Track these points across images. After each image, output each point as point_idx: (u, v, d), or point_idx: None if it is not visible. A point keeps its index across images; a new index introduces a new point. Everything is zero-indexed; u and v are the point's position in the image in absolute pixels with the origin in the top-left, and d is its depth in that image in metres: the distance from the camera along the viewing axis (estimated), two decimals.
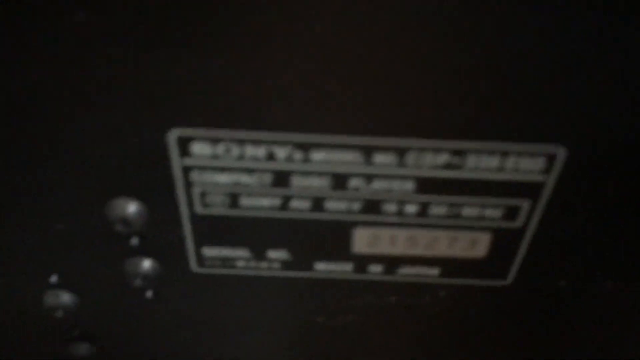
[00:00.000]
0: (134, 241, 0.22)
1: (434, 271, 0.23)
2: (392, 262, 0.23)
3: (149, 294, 0.25)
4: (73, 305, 0.25)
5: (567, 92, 0.17)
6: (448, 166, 0.19)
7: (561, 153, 0.18)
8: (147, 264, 0.23)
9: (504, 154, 0.19)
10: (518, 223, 0.21)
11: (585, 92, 0.17)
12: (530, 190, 0.20)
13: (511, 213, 0.20)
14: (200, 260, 0.23)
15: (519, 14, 0.16)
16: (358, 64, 0.17)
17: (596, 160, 0.19)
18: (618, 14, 0.16)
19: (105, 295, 0.25)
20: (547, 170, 0.19)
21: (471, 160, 0.19)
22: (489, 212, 0.20)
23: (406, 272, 0.23)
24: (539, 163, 0.19)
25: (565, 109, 0.18)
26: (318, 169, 0.19)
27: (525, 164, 0.19)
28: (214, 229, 0.22)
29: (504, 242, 0.21)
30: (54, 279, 0.24)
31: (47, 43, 0.17)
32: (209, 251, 0.22)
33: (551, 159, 0.19)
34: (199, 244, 0.22)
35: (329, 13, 0.16)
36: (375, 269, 0.23)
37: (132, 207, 0.21)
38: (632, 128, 0.18)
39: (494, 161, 0.19)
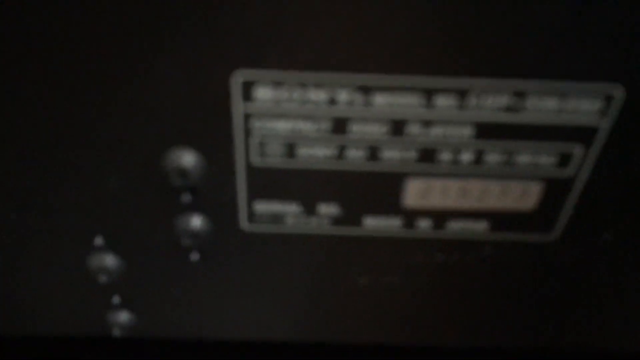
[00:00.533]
0: (186, 197, 0.22)
1: (482, 225, 0.23)
2: (441, 216, 0.23)
3: (195, 256, 0.25)
4: (117, 269, 0.25)
5: (628, 29, 0.18)
6: (508, 109, 0.19)
7: (619, 94, 0.19)
8: (197, 220, 0.23)
9: (563, 95, 0.19)
10: (570, 171, 0.21)
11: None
12: (584, 134, 0.20)
13: (564, 160, 0.21)
14: (251, 215, 0.23)
15: None
16: (419, 4, 0.17)
17: None
18: None
19: (149, 259, 0.25)
20: (603, 113, 0.19)
21: (530, 102, 0.19)
22: (542, 159, 0.21)
23: (454, 226, 0.23)
24: (596, 104, 0.19)
25: (626, 47, 0.18)
26: (377, 114, 0.20)
27: (583, 104, 0.19)
28: (268, 182, 0.22)
29: (554, 192, 0.22)
30: (99, 240, 0.24)
31: None
32: (260, 206, 0.23)
33: (608, 99, 0.19)
34: (251, 198, 0.22)
35: None
36: (424, 223, 0.23)
37: (189, 158, 0.21)
38: None
39: (552, 102, 0.19)
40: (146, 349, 0.30)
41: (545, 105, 0.19)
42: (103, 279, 0.25)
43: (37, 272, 0.26)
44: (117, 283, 0.26)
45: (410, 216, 0.23)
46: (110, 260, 0.25)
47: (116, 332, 0.28)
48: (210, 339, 0.29)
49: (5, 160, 0.21)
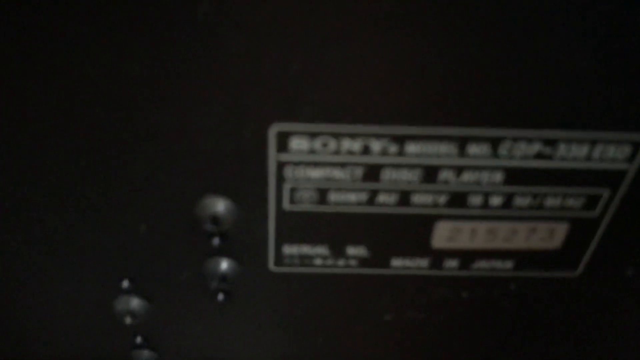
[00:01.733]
0: (216, 241, 0.22)
1: (508, 264, 0.23)
2: (468, 257, 0.23)
3: (220, 297, 0.25)
4: (143, 310, 0.25)
5: None
6: (539, 155, 0.20)
7: None
8: (226, 264, 0.23)
9: (593, 142, 0.19)
10: (596, 213, 0.21)
11: None
12: (611, 179, 0.20)
13: (591, 202, 0.21)
14: (279, 258, 0.23)
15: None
16: (453, 58, 0.18)
17: None
18: None
19: (175, 300, 0.25)
20: (631, 158, 0.20)
21: (561, 149, 0.20)
22: (570, 202, 0.21)
23: (481, 266, 0.23)
24: (625, 151, 0.20)
25: None
26: (410, 162, 0.20)
27: (611, 152, 0.20)
28: (297, 226, 0.22)
29: (580, 232, 0.22)
30: (125, 283, 0.24)
31: (155, 34, 0.17)
32: (289, 249, 0.23)
33: (635, 146, 0.19)
34: (280, 242, 0.23)
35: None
36: (451, 263, 0.23)
37: (223, 205, 0.21)
38: None
39: (582, 150, 0.20)
40: None
41: (574, 153, 0.20)
42: (128, 320, 0.25)
43: (63, 311, 0.26)
44: (142, 323, 0.26)
45: (438, 257, 0.23)
46: (136, 303, 0.25)
47: None
48: None
49: (40, 202, 0.21)
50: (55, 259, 0.23)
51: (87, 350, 0.28)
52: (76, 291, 0.25)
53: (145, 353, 0.28)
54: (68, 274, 0.24)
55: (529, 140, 0.19)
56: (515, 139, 0.19)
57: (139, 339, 0.27)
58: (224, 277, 0.23)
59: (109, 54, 0.17)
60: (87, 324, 0.26)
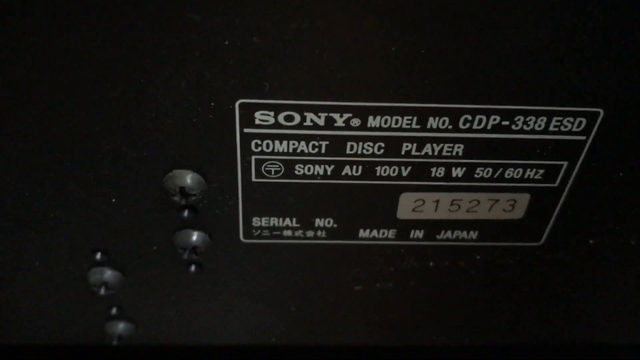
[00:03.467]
0: (185, 213, 0.23)
1: (473, 235, 0.24)
2: (433, 227, 0.24)
3: (192, 268, 0.25)
4: (116, 282, 0.26)
5: (605, 60, 0.19)
6: (497, 128, 0.20)
7: (599, 114, 0.20)
8: (196, 236, 0.24)
9: (549, 115, 0.20)
10: (556, 183, 0.22)
11: (619, 60, 0.19)
12: (569, 150, 0.21)
13: (551, 173, 0.22)
14: (248, 230, 0.24)
15: None
16: (414, 36, 0.18)
17: (627, 122, 0.20)
18: None
19: (148, 272, 0.25)
20: (586, 131, 0.20)
21: (519, 122, 0.20)
22: (531, 173, 0.22)
23: (446, 236, 0.24)
24: (581, 123, 0.20)
25: (604, 75, 0.19)
26: (373, 135, 0.20)
27: (568, 124, 0.20)
28: (265, 199, 0.22)
29: (541, 202, 0.23)
30: (98, 255, 0.25)
31: (120, 10, 0.17)
32: (258, 221, 0.23)
33: (592, 119, 0.20)
34: (248, 214, 0.23)
35: None
36: (417, 234, 0.24)
37: (190, 178, 0.21)
38: None
39: (540, 123, 0.20)
40: (145, 355, 0.31)
41: (532, 125, 0.20)
42: (102, 292, 0.25)
43: (36, 283, 0.26)
44: (116, 295, 0.26)
45: (404, 227, 0.24)
46: (109, 275, 0.25)
47: (114, 342, 0.28)
48: (207, 344, 0.29)
49: (11, 176, 0.21)
50: (27, 233, 0.24)
51: (62, 327, 0.28)
52: (50, 265, 0.25)
53: (121, 325, 0.28)
54: (41, 248, 0.24)
55: (487, 114, 0.20)
56: (473, 113, 0.20)
57: (114, 311, 0.27)
58: (194, 249, 0.24)
59: (74, 30, 0.18)
60: (61, 298, 0.27)
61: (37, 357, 0.31)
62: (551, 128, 0.20)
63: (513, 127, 0.20)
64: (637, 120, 0.20)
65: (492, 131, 0.20)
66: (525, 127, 0.20)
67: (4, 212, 0.23)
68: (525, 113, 0.20)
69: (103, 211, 0.23)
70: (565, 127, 0.20)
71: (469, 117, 0.20)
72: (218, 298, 0.27)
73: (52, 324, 0.28)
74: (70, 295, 0.26)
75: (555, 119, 0.20)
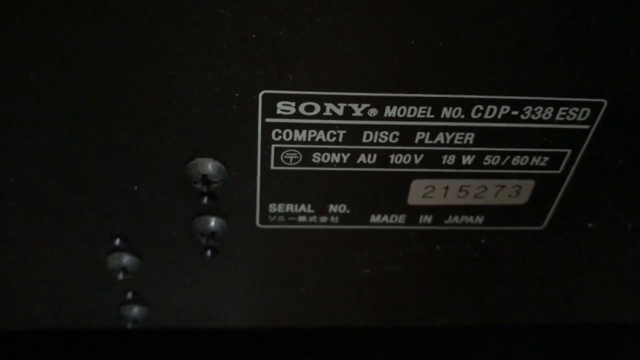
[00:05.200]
0: (205, 200, 0.24)
1: (479, 219, 0.25)
2: (441, 212, 0.25)
3: (208, 253, 0.26)
4: (135, 267, 0.26)
5: (609, 53, 0.20)
6: (506, 118, 0.21)
7: (603, 104, 0.21)
8: (214, 222, 0.25)
9: (556, 106, 0.21)
10: (559, 170, 0.23)
11: (623, 53, 0.20)
12: (573, 139, 0.22)
13: (555, 161, 0.23)
14: (265, 216, 0.25)
15: None
16: (430, 31, 0.19)
17: (629, 112, 0.22)
18: None
19: (165, 257, 0.26)
20: (590, 120, 0.21)
21: (527, 112, 0.21)
22: (536, 161, 0.23)
23: (453, 221, 0.25)
24: (585, 113, 0.21)
25: (607, 68, 0.20)
26: (389, 124, 0.21)
27: (574, 113, 0.21)
28: (283, 185, 0.23)
29: (545, 188, 0.24)
30: (117, 241, 0.25)
31: (150, 4, 0.18)
32: (275, 207, 0.24)
33: (596, 109, 0.21)
34: (265, 201, 0.24)
35: None
36: (426, 219, 0.25)
37: (212, 165, 0.22)
38: None
39: (547, 112, 0.21)
40: (158, 338, 0.31)
41: (539, 115, 0.21)
42: (121, 277, 0.26)
43: (56, 268, 0.27)
44: (133, 280, 0.27)
45: (413, 213, 0.25)
46: (128, 260, 0.26)
47: (129, 325, 0.29)
48: (218, 327, 0.30)
49: (34, 162, 0.22)
50: (49, 219, 0.24)
51: (79, 310, 0.29)
52: (69, 250, 0.26)
53: (136, 309, 0.29)
54: (61, 234, 0.25)
55: (499, 104, 0.21)
56: (485, 103, 0.21)
57: (129, 295, 0.28)
58: (212, 235, 0.25)
59: (101, 19, 0.18)
60: (79, 282, 0.27)
61: (53, 340, 0.31)
62: (557, 117, 0.21)
63: (522, 116, 0.21)
64: (638, 111, 0.22)
65: (502, 120, 0.21)
66: (533, 117, 0.21)
67: (26, 198, 0.23)
68: (534, 103, 0.21)
69: (125, 198, 0.24)
70: (571, 116, 0.21)
71: (481, 107, 0.21)
72: (231, 282, 0.28)
73: (70, 308, 0.29)
74: (88, 279, 0.27)
75: (561, 109, 0.21)
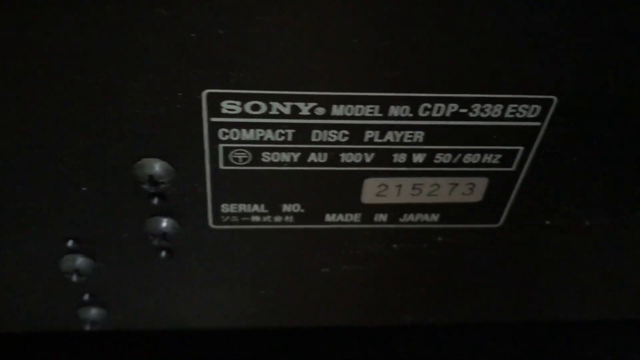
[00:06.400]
0: (155, 201, 0.23)
1: (434, 217, 0.25)
2: (396, 211, 0.25)
3: (163, 254, 0.26)
4: (88, 269, 0.26)
5: (558, 50, 0.20)
6: (455, 116, 0.21)
7: (553, 101, 0.21)
8: (166, 223, 0.24)
9: (505, 103, 0.21)
10: (513, 168, 0.23)
11: (571, 50, 0.20)
12: (525, 136, 0.22)
13: (508, 158, 0.23)
14: (218, 216, 0.24)
15: None
16: (375, 29, 0.19)
17: (580, 109, 0.21)
18: None
19: (119, 258, 0.26)
20: (541, 117, 0.21)
21: (476, 110, 0.21)
22: (488, 158, 0.23)
23: (409, 219, 0.25)
24: (536, 110, 0.21)
25: (555, 65, 0.20)
26: (337, 123, 0.21)
27: (523, 111, 0.21)
28: (234, 185, 0.23)
29: (499, 186, 0.24)
30: (70, 243, 0.25)
31: (90, 5, 0.18)
32: (227, 207, 0.24)
33: (546, 105, 0.21)
34: (217, 201, 0.24)
35: None
36: (381, 217, 0.25)
37: (159, 166, 0.22)
38: (610, 83, 0.21)
39: (496, 110, 0.21)
40: (117, 340, 0.31)
41: (488, 113, 0.21)
42: (74, 279, 0.26)
43: (9, 272, 0.26)
44: (88, 281, 0.27)
45: (368, 211, 0.24)
46: (81, 262, 0.26)
47: (87, 327, 0.29)
48: (178, 328, 0.30)
49: None
50: (1, 220, 0.24)
51: (36, 314, 0.29)
52: (22, 253, 0.25)
53: (94, 311, 0.29)
54: (13, 237, 0.25)
55: (446, 102, 0.21)
56: (432, 101, 0.21)
57: (86, 297, 0.28)
58: (164, 236, 0.24)
59: (40, 19, 0.18)
60: (35, 285, 0.27)
61: (12, 344, 0.31)
62: (507, 115, 0.21)
63: (470, 114, 0.21)
64: (589, 107, 0.21)
65: (450, 118, 0.21)
66: (482, 114, 0.21)
67: None
68: (482, 101, 0.21)
69: (74, 200, 0.23)
70: (521, 114, 0.21)
71: (429, 105, 0.21)
72: (189, 283, 0.27)
73: (26, 311, 0.29)
74: (43, 282, 0.27)
75: (511, 106, 0.21)
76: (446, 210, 0.25)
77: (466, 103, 0.21)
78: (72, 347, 0.31)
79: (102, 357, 0.32)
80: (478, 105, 0.21)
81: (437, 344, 0.33)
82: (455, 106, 0.21)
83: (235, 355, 0.31)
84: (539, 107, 0.21)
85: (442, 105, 0.21)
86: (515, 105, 0.21)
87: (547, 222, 0.25)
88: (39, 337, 0.31)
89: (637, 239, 0.27)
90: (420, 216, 0.25)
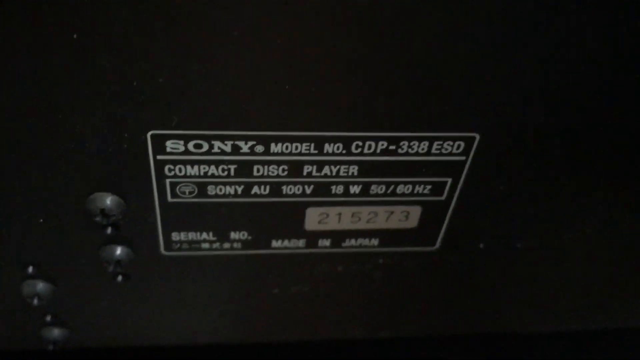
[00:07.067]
0: (109, 231, 0.25)
1: (374, 242, 0.26)
2: (338, 236, 0.26)
3: (119, 278, 0.27)
4: (48, 293, 0.27)
5: (478, 93, 0.21)
6: (385, 152, 0.23)
7: (475, 138, 0.22)
8: (120, 250, 0.26)
9: (431, 140, 0.22)
10: (443, 197, 0.25)
11: (490, 91, 0.21)
12: (452, 169, 0.24)
13: (438, 188, 0.24)
14: (168, 244, 0.26)
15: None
16: (306, 74, 0.20)
17: (502, 144, 0.23)
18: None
19: (78, 282, 0.27)
20: (466, 152, 0.23)
21: (404, 146, 0.23)
22: (420, 189, 0.24)
23: (351, 244, 0.26)
24: (460, 146, 0.23)
25: (476, 105, 0.22)
26: (277, 159, 0.23)
27: (449, 147, 0.23)
28: (182, 216, 0.25)
29: (432, 213, 0.25)
30: (30, 269, 0.26)
31: (45, 51, 0.19)
32: (177, 236, 0.25)
33: (469, 142, 0.23)
34: (167, 230, 0.25)
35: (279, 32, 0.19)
36: (324, 242, 0.26)
37: (110, 200, 0.23)
38: (528, 121, 0.22)
39: (423, 146, 0.23)
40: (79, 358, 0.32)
41: (416, 149, 0.23)
42: (35, 302, 0.27)
43: None
44: (50, 304, 0.28)
45: (312, 237, 0.26)
46: (42, 287, 0.27)
47: (50, 347, 0.30)
48: (139, 345, 0.31)
49: None
50: None
51: (1, 333, 0.30)
52: None
53: (56, 331, 0.30)
54: None
55: (376, 140, 0.22)
56: (363, 139, 0.22)
57: (48, 318, 0.29)
58: (119, 262, 0.26)
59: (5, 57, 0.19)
60: None
61: None
62: (433, 151, 0.23)
63: (399, 150, 0.23)
64: (510, 142, 0.23)
65: (381, 154, 0.23)
66: (410, 150, 0.23)
67: None
68: (409, 139, 0.22)
69: (32, 229, 0.25)
70: (446, 149, 0.23)
71: (360, 143, 0.22)
72: (146, 304, 0.29)
73: None
74: (5, 304, 0.28)
75: (436, 143, 0.23)
76: (385, 235, 0.26)
77: (394, 140, 0.22)
78: None
79: None
80: (406, 142, 0.22)
81: (383, 355, 0.34)
82: (385, 143, 0.22)
83: None
84: (462, 144, 0.23)
85: (373, 143, 0.22)
86: (441, 142, 0.23)
87: (482, 245, 0.27)
88: (2, 356, 0.32)
89: (569, 258, 0.29)
90: (361, 241, 0.26)
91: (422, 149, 0.23)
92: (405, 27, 0.19)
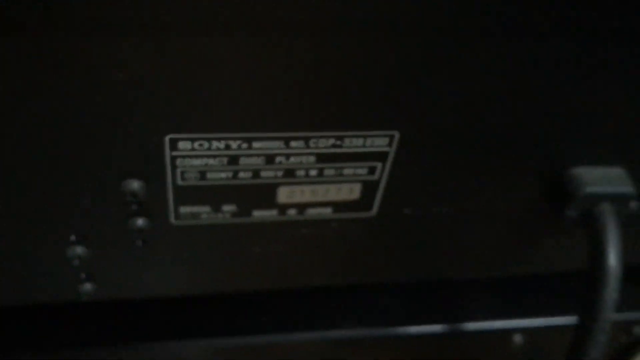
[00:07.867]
0: (134, 207, 0.34)
1: (328, 210, 0.36)
2: (302, 207, 0.36)
3: (140, 243, 0.36)
4: (86, 255, 0.36)
5: (397, 102, 0.31)
6: (334, 145, 0.32)
7: (396, 134, 0.32)
8: (141, 221, 0.35)
9: (365, 137, 0.32)
10: (376, 176, 0.34)
11: (408, 95, 0.31)
12: (381, 156, 0.33)
13: (372, 170, 0.34)
14: (177, 215, 0.35)
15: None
16: (277, 92, 0.30)
17: (416, 138, 0.33)
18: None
19: (108, 246, 0.36)
20: (389, 145, 0.33)
21: (346, 142, 0.32)
22: (359, 171, 0.34)
23: (312, 212, 0.36)
24: (385, 140, 0.32)
25: (395, 111, 0.31)
26: (256, 152, 0.32)
27: (377, 141, 0.32)
28: (188, 194, 0.34)
29: (369, 188, 0.35)
30: (73, 237, 0.35)
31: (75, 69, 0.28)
32: (184, 209, 0.35)
33: (391, 137, 0.32)
34: (177, 205, 0.34)
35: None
36: (292, 212, 0.36)
37: (137, 184, 0.33)
38: (435, 123, 0.32)
39: (359, 141, 0.32)
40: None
41: (355, 143, 0.32)
42: (77, 263, 0.36)
43: (26, 256, 0.36)
44: (85, 264, 0.37)
45: (283, 208, 0.36)
46: (81, 250, 0.36)
47: (84, 298, 0.39)
48: (155, 296, 0.41)
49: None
50: (20, 224, 0.34)
51: (44, 288, 0.39)
52: (35, 243, 0.36)
53: (88, 285, 0.39)
54: (30, 233, 0.35)
55: (326, 137, 0.32)
56: (317, 137, 0.32)
57: (83, 275, 0.38)
58: (140, 230, 0.35)
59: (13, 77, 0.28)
60: (44, 267, 0.37)
61: (21, 316, 0.41)
62: (367, 144, 0.33)
63: (343, 144, 0.32)
64: (422, 137, 0.33)
65: (331, 147, 0.32)
66: (350, 144, 0.32)
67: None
68: (350, 136, 0.32)
69: (77, 206, 0.34)
70: (376, 143, 0.33)
71: (315, 140, 0.32)
72: (159, 263, 0.38)
73: (34, 286, 0.39)
74: (52, 265, 0.37)
75: (368, 139, 0.32)
76: (336, 205, 0.36)
77: (340, 138, 0.32)
78: (69, 315, 0.42)
79: (96, 323, 0.42)
80: (347, 139, 0.32)
81: (339, 299, 0.44)
82: (332, 140, 0.32)
83: (192, 314, 0.42)
84: (387, 139, 0.32)
85: (324, 140, 0.32)
86: (372, 139, 0.32)
87: (406, 211, 0.37)
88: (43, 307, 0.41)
89: (474, 219, 0.39)
90: (319, 210, 0.36)
91: (359, 143, 0.32)
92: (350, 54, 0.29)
